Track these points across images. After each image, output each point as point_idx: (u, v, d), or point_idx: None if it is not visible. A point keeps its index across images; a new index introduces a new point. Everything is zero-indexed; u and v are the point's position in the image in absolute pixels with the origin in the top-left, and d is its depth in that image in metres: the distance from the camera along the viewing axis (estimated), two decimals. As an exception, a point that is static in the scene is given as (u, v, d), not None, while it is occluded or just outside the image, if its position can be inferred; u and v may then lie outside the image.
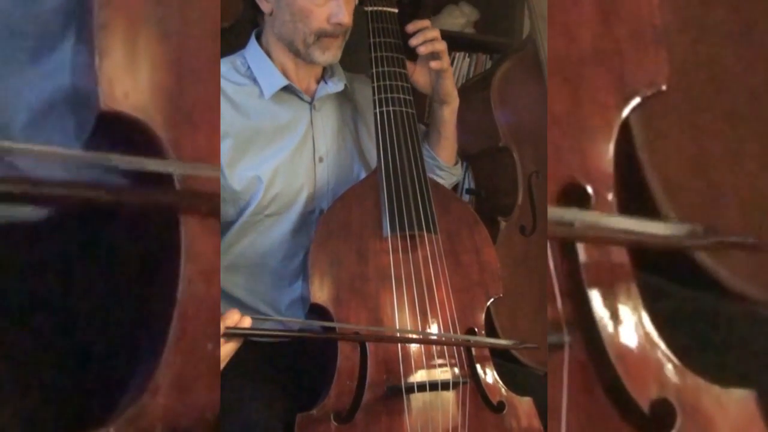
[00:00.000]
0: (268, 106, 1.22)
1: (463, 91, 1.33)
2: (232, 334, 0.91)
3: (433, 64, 1.25)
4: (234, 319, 0.92)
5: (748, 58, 0.96)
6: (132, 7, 0.74)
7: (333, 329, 1.07)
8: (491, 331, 1.37)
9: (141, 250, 0.75)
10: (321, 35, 1.17)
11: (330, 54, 1.19)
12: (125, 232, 0.75)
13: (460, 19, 2.36)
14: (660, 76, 0.79)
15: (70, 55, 0.75)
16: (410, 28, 1.26)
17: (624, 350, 0.73)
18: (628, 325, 0.75)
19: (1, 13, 0.75)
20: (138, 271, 0.75)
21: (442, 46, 1.25)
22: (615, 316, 0.75)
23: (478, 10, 2.38)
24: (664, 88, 0.79)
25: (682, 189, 0.93)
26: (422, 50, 1.25)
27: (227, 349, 0.92)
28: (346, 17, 1.15)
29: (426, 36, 1.24)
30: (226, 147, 1.17)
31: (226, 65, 1.24)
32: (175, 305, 0.72)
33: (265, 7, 1.19)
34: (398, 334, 1.09)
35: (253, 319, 0.95)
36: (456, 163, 1.39)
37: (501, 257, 1.22)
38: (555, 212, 0.76)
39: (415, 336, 1.09)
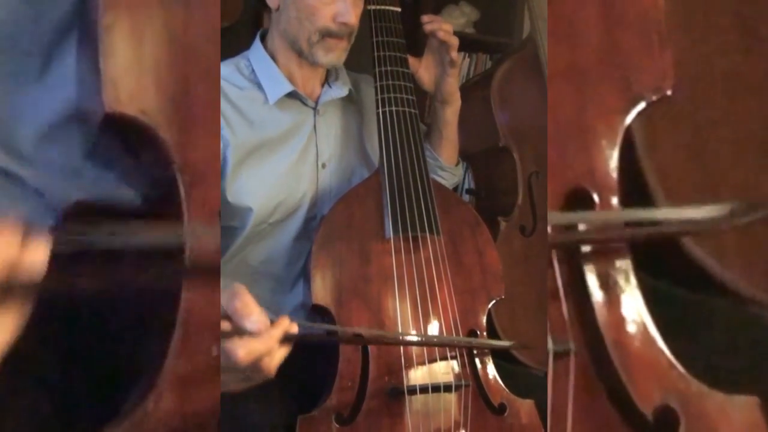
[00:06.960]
0: (271, 112, 1.21)
1: (463, 91, 1.32)
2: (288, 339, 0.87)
3: (453, 55, 1.24)
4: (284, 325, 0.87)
5: (752, 60, 0.96)
6: (136, 9, 0.73)
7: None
8: (492, 332, 1.36)
9: (143, 254, 0.74)
10: (326, 34, 1.16)
11: (333, 56, 1.18)
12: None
13: (460, 19, 2.36)
14: (666, 81, 0.79)
15: (75, 63, 0.75)
16: (425, 19, 1.26)
17: (628, 356, 0.73)
18: (632, 331, 0.75)
19: (4, 29, 0.75)
20: (140, 275, 0.75)
21: (456, 40, 1.25)
22: (618, 322, 0.75)
23: (478, 10, 2.39)
24: (669, 93, 0.79)
25: (683, 191, 0.93)
26: (441, 35, 1.24)
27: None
28: (352, 17, 1.15)
29: (442, 25, 1.24)
30: (228, 157, 1.15)
31: (229, 67, 1.22)
32: (177, 310, 0.72)
33: (272, 2, 1.18)
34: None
35: None
36: (458, 164, 1.39)
37: (501, 257, 1.21)
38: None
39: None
